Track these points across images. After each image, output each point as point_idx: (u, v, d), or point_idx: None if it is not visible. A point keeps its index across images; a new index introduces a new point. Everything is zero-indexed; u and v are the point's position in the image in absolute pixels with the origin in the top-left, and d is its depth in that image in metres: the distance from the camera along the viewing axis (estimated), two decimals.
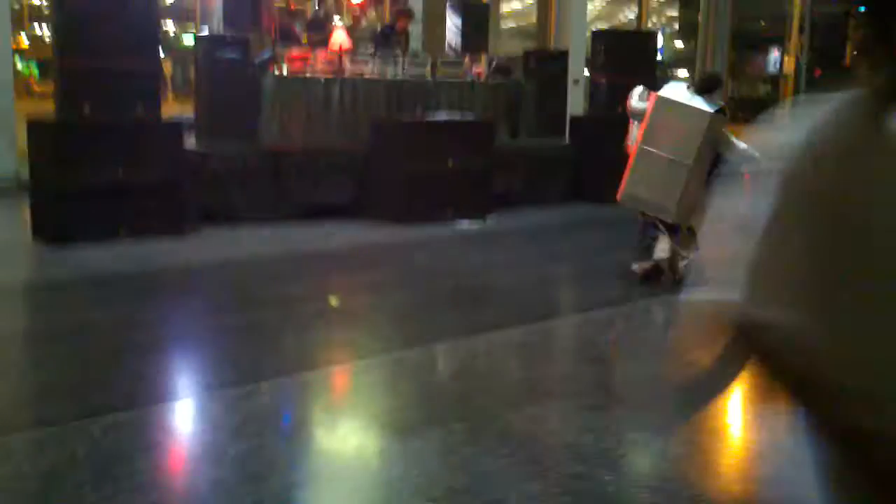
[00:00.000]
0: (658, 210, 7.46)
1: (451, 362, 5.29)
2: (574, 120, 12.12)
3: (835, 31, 18.51)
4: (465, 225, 9.68)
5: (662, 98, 7.33)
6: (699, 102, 7.17)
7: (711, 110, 7.06)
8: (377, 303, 6.48)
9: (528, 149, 11.22)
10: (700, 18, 17.17)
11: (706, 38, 17.13)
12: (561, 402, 4.49)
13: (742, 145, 6.87)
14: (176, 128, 8.35)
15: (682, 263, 7.33)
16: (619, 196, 7.49)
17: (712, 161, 7.07)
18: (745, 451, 4.14)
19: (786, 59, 20.18)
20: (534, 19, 17.09)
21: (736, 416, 4.37)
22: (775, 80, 20.76)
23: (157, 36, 8.78)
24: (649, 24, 17.03)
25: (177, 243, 7.95)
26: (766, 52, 21.32)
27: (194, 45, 9.79)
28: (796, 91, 21.50)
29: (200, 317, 5.99)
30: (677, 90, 7.37)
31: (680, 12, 17.99)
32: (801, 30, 19.14)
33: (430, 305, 6.43)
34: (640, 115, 7.43)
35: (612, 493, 3.45)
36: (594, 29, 14.79)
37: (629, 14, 18.53)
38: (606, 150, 11.50)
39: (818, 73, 21.65)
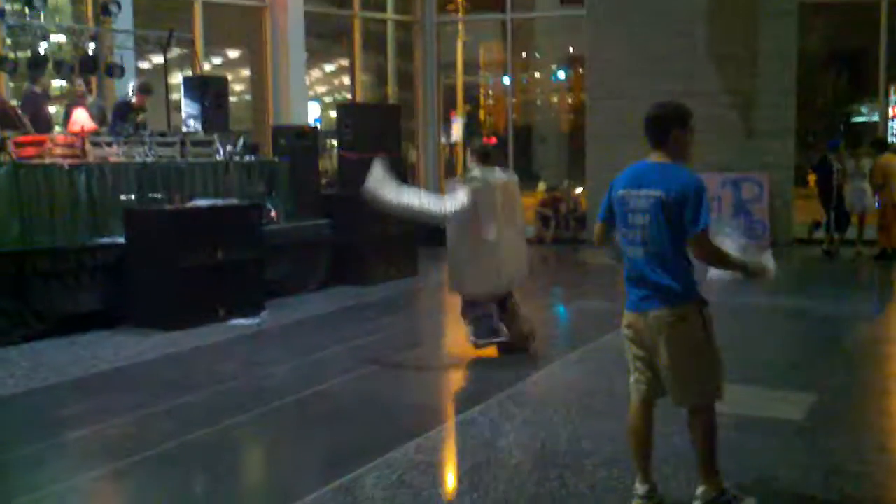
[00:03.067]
0: (520, 279, 7.40)
1: None
2: (329, 198, 11.53)
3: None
4: (240, 324, 8.69)
5: (478, 183, 7.12)
6: (500, 173, 7.35)
7: (510, 177, 7.43)
8: (201, 444, 5.36)
9: (287, 231, 10.42)
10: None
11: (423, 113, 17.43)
12: None
13: None
14: None
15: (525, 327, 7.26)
16: (467, 289, 7.19)
17: None
18: None
19: (454, 127, 21.51)
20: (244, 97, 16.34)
21: None
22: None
23: None
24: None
25: None
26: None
27: None
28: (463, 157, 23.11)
29: None
30: (474, 171, 7.21)
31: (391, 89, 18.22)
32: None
33: (270, 436, 5.52)
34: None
35: None
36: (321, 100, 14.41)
37: (346, 94, 18.40)
38: (364, 229, 11.08)
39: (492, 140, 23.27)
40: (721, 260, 4.00)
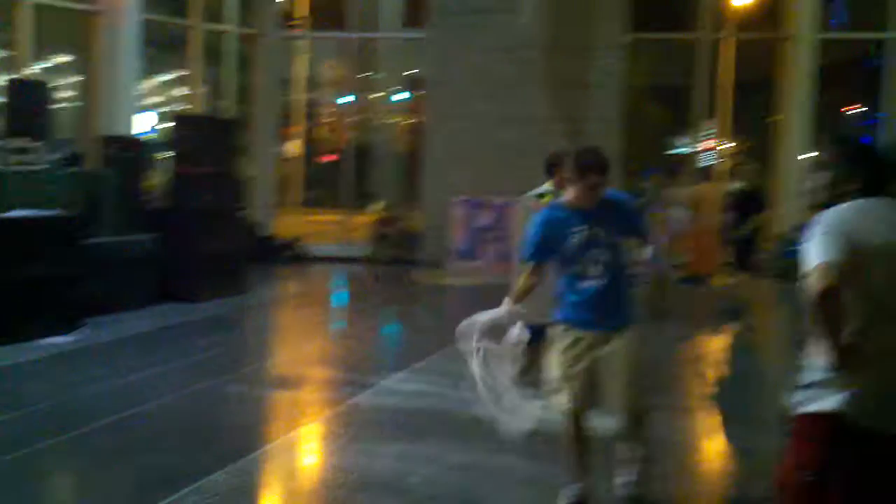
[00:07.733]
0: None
1: None
2: (158, 211, 11.15)
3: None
4: (55, 342, 8.24)
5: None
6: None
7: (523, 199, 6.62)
8: (5, 471, 5.03)
9: (110, 246, 9.98)
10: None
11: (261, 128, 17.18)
12: None
13: None
14: None
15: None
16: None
17: None
18: None
19: (291, 145, 21.50)
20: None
21: None
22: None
23: None
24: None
25: None
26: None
27: None
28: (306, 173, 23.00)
29: None
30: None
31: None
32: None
33: (81, 461, 5.28)
34: None
35: None
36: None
37: (184, 105, 17.87)
38: (192, 245, 10.77)
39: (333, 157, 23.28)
40: None
